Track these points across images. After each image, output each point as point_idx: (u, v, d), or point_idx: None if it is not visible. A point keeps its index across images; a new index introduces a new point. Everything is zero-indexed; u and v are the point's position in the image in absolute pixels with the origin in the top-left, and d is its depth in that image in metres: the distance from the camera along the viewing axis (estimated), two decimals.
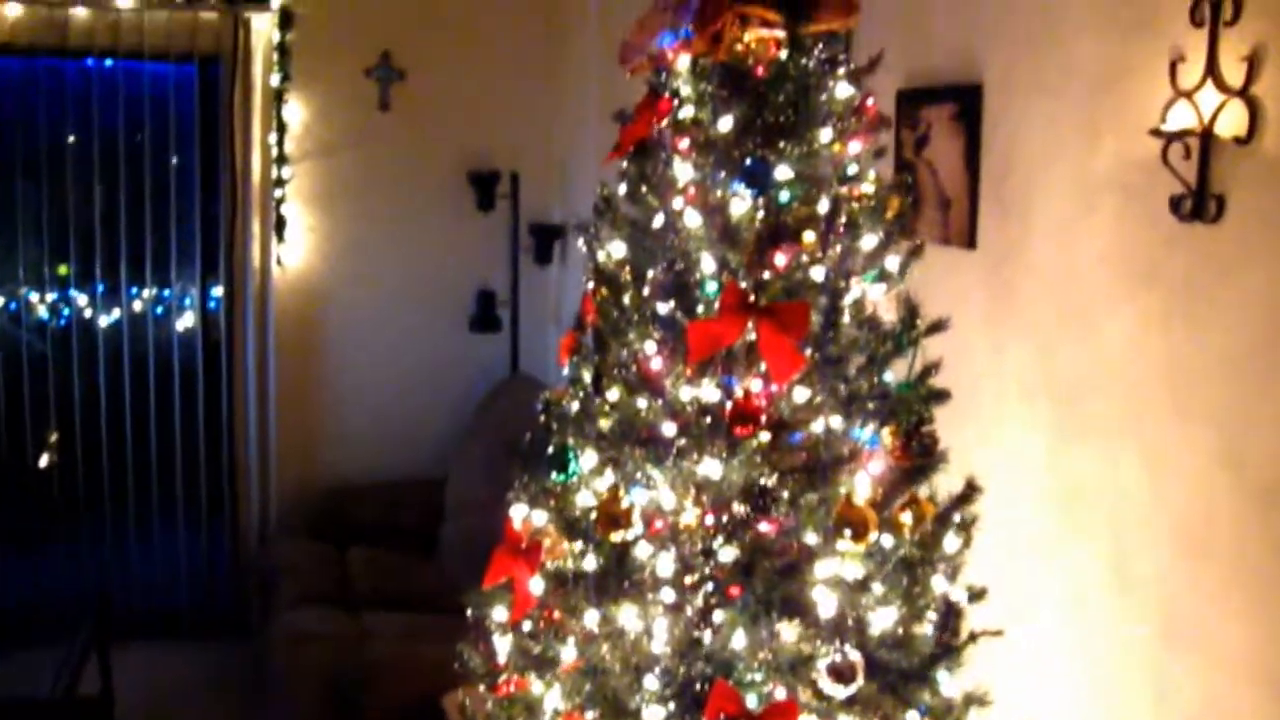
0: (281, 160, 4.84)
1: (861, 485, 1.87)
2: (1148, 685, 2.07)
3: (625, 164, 2.01)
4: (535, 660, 2.03)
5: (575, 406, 2.04)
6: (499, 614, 2.13)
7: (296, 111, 4.86)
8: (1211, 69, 1.92)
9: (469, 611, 2.22)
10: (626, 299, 1.97)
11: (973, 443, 2.33)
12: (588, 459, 1.99)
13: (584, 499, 2.01)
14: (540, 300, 5.24)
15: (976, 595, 1.98)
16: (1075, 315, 2.23)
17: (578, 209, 5.02)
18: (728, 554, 1.83)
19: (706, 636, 1.84)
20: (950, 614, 1.90)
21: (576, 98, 4.96)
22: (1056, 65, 2.27)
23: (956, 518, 1.96)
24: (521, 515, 2.03)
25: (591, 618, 1.90)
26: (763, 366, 1.84)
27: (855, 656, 1.84)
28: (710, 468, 1.85)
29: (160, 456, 4.91)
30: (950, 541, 1.95)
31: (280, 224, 4.87)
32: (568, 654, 2.00)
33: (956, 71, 2.52)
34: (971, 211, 2.49)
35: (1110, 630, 2.14)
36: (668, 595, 1.85)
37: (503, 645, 2.13)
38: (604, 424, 1.96)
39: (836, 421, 1.90)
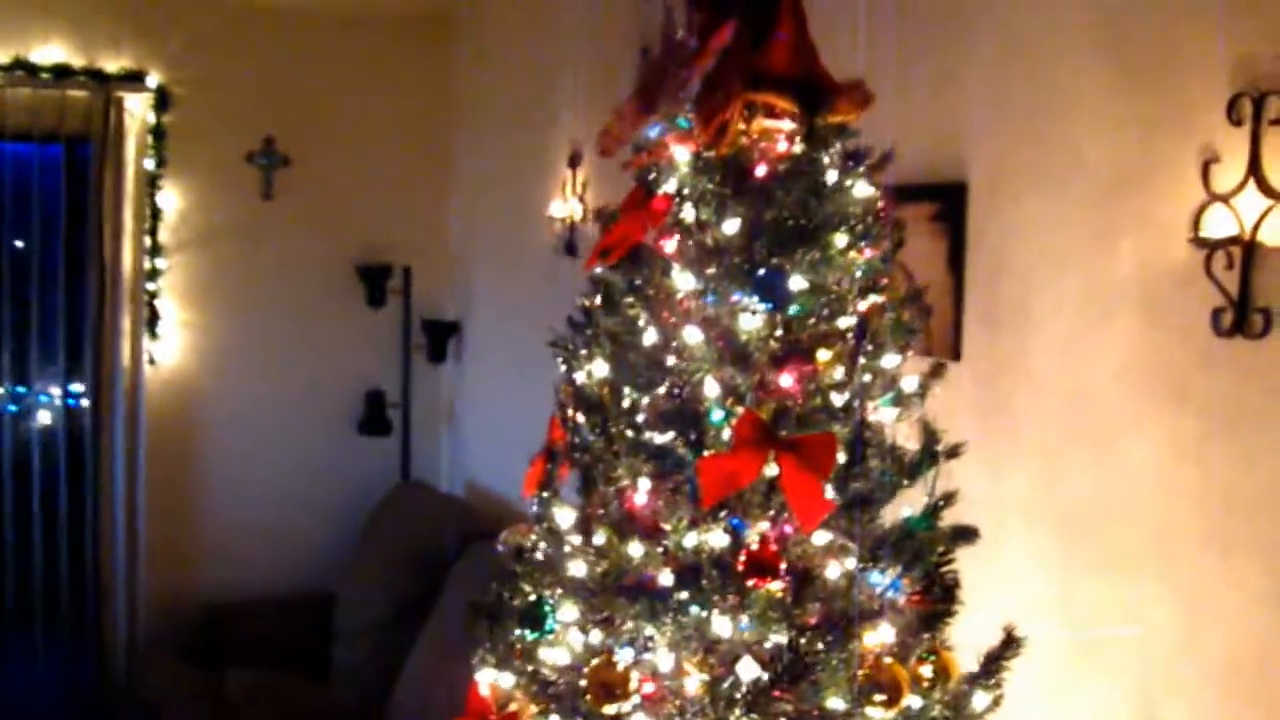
0: (155, 250, 4.48)
1: (885, 637, 1.64)
2: None
3: (597, 270, 1.76)
4: None
5: (543, 550, 1.76)
6: None
7: (172, 199, 4.51)
8: (1255, 171, 1.75)
9: None
10: (612, 427, 1.71)
11: (971, 576, 2.11)
12: (565, 612, 1.71)
13: (556, 656, 1.73)
14: (432, 401, 4.92)
15: None
16: (1087, 436, 2.04)
17: (473, 305, 4.76)
18: None
19: None
20: None
21: (472, 187, 4.71)
22: (1058, 164, 2.09)
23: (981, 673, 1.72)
24: (489, 680, 1.73)
25: None
26: (774, 507, 1.59)
27: None
28: (720, 625, 1.59)
29: (17, 566, 4.42)
30: (980, 699, 1.71)
31: (153, 318, 4.49)
32: None
33: (937, 169, 2.33)
34: (956, 320, 2.29)
35: None
36: None
37: None
38: (586, 573, 1.68)
39: (850, 565, 1.66)
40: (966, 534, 1.72)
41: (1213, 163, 1.81)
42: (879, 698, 1.59)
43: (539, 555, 1.81)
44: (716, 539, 1.60)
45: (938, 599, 1.72)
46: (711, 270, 1.62)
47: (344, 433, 4.74)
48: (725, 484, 1.53)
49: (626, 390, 1.71)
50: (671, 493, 1.64)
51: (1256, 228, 1.75)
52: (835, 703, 1.60)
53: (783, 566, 1.57)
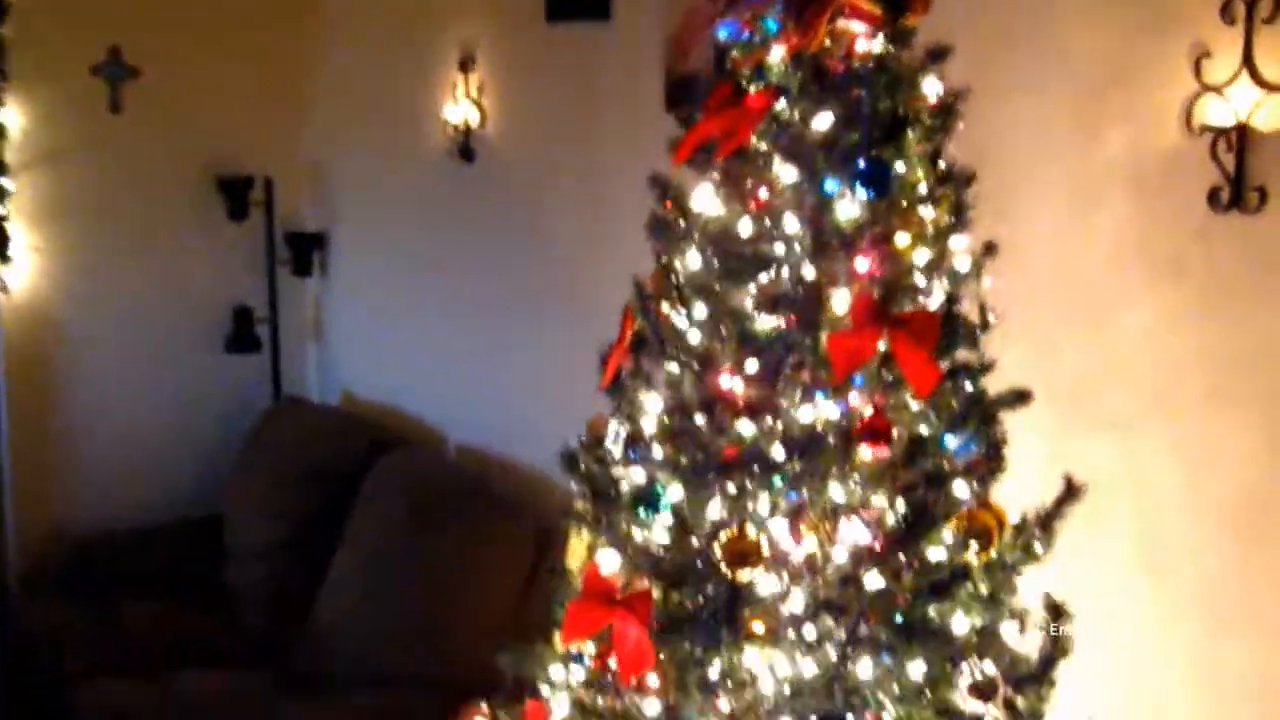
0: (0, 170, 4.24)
1: (963, 494, 1.82)
2: (1193, 669, 2.12)
3: (689, 164, 1.85)
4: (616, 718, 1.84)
5: (644, 433, 1.86)
6: (556, 672, 1.92)
7: (14, 116, 4.26)
8: (1248, 63, 1.97)
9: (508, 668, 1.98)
10: (701, 312, 1.82)
11: None
12: (673, 492, 1.82)
13: (659, 536, 1.84)
14: (300, 315, 4.86)
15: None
16: (1078, 314, 2.25)
17: (340, 215, 4.70)
18: (872, 581, 1.71)
19: (845, 671, 1.72)
20: (1059, 617, 1.86)
21: (337, 94, 4.63)
22: (1041, 64, 2.27)
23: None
24: (610, 561, 1.83)
25: (712, 666, 1.74)
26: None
27: (992, 671, 1.78)
28: (834, 490, 1.73)
29: None
30: (1038, 546, 1.91)
31: (2, 243, 4.27)
32: (651, 709, 1.82)
33: None
34: None
35: (1148, 619, 2.18)
36: (809, 632, 1.71)
37: (560, 705, 1.92)
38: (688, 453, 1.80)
39: (926, 430, 1.83)
40: (1023, 397, 1.90)
41: (1204, 57, 2.02)
42: (975, 545, 1.77)
43: (617, 445, 1.91)
44: (829, 411, 1.74)
45: (992, 457, 1.90)
46: (813, 162, 1.73)
47: (212, 351, 4.63)
48: (853, 359, 1.67)
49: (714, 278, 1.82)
50: (774, 373, 1.76)
51: (1250, 116, 1.98)
52: (936, 553, 1.77)
53: (894, 432, 1.72)
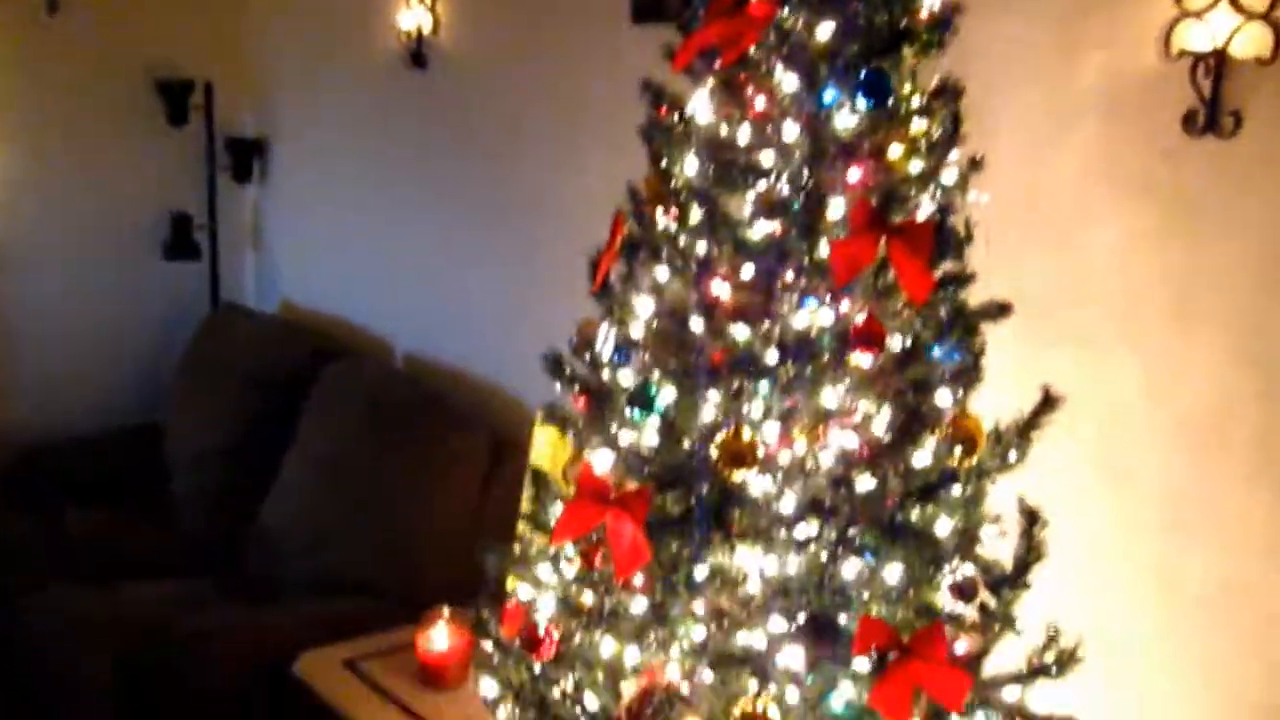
0: None
1: (946, 401, 1.87)
2: (1154, 573, 2.21)
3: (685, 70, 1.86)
4: (603, 616, 1.88)
5: (634, 337, 1.88)
6: (545, 573, 1.95)
7: None
8: None
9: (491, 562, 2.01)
10: (696, 217, 1.84)
11: None
12: (665, 394, 1.84)
13: (649, 439, 1.87)
14: (240, 222, 4.78)
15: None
16: (1046, 232, 2.30)
17: (281, 121, 4.63)
18: (862, 484, 1.76)
19: (832, 571, 1.77)
20: (1034, 522, 1.92)
21: None
22: None
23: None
24: (604, 461, 1.85)
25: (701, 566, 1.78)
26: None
27: (972, 572, 1.85)
28: (828, 396, 1.77)
29: None
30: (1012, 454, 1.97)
31: None
32: (638, 606, 1.86)
33: None
34: None
35: (1109, 527, 2.26)
36: (799, 532, 1.75)
37: (546, 604, 1.96)
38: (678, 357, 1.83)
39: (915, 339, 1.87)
40: (1004, 309, 1.95)
41: None
42: (959, 450, 1.82)
43: (609, 348, 1.93)
44: (824, 317, 1.77)
45: (972, 367, 1.95)
46: (813, 71, 1.75)
47: (150, 259, 4.55)
48: (852, 265, 1.70)
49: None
50: (769, 278, 1.79)
51: (1228, 42, 2.03)
52: (922, 458, 1.82)
53: (887, 341, 1.76)
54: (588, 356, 1.96)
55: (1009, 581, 1.90)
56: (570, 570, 1.94)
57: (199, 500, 4.03)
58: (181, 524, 4.01)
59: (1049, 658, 1.93)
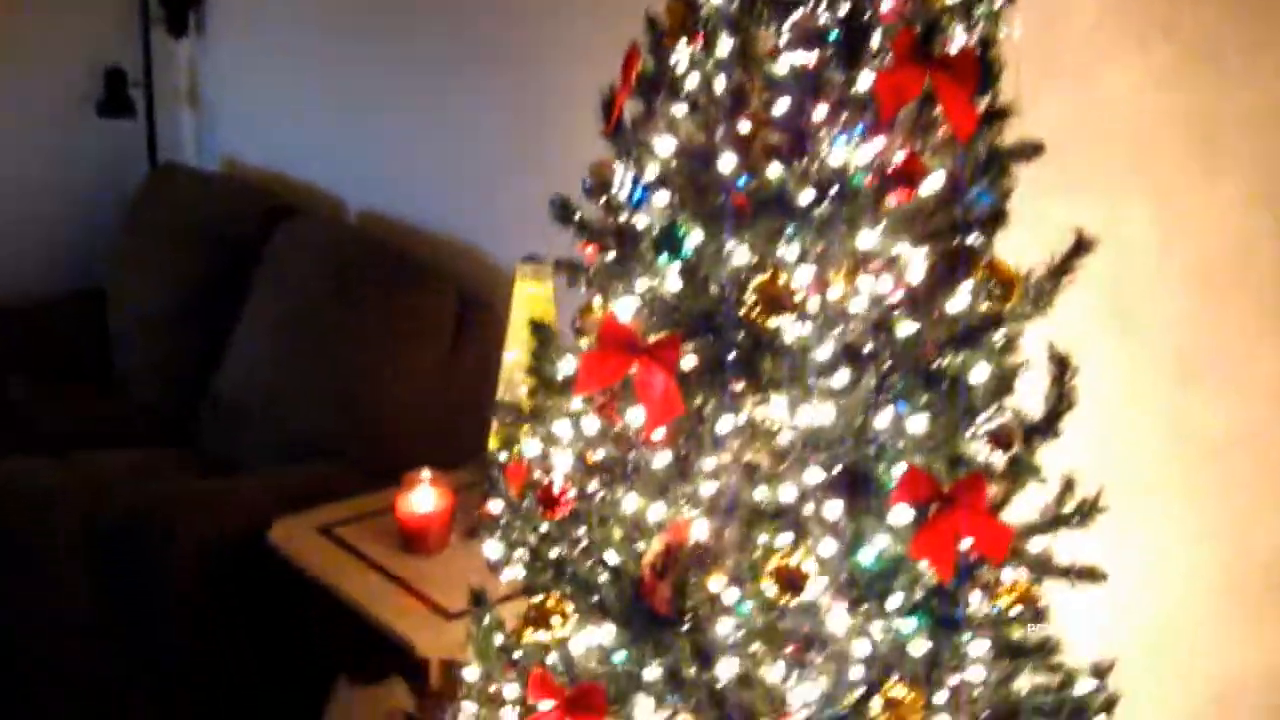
0: None
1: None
2: (1165, 423, 2.18)
3: None
4: (625, 472, 1.81)
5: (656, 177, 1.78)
6: (561, 428, 1.87)
7: None
8: None
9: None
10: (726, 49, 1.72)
11: None
12: (694, 237, 1.75)
13: (673, 285, 1.77)
14: (176, 78, 4.55)
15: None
16: (1059, 71, 2.21)
17: None
18: (902, 329, 1.69)
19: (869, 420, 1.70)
20: (1064, 370, 1.87)
21: None
22: None
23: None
24: (628, 309, 1.76)
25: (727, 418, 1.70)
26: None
27: (1009, 420, 1.79)
28: (865, 238, 1.68)
29: None
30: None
31: None
32: (661, 461, 1.78)
33: None
34: None
35: (1118, 373, 2.21)
36: (835, 380, 1.68)
37: (563, 462, 1.87)
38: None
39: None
40: (1037, 149, 1.86)
41: None
42: (996, 292, 1.75)
43: (627, 190, 1.83)
44: (861, 155, 1.68)
45: (1000, 210, 1.87)
46: None
47: (84, 116, 4.32)
48: (898, 97, 1.61)
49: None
50: (803, 114, 1.68)
51: None
52: (960, 302, 1.74)
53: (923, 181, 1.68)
54: (604, 200, 1.85)
55: (1039, 430, 1.84)
56: (589, 425, 1.85)
57: (147, 368, 3.89)
58: (129, 393, 3.87)
59: (1068, 508, 1.89)
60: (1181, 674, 2.25)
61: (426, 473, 2.78)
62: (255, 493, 3.03)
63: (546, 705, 1.80)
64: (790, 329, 1.67)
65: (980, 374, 1.75)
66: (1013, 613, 1.82)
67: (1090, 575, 1.85)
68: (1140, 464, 2.22)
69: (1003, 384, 1.77)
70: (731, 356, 1.70)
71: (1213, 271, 2.09)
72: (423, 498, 2.76)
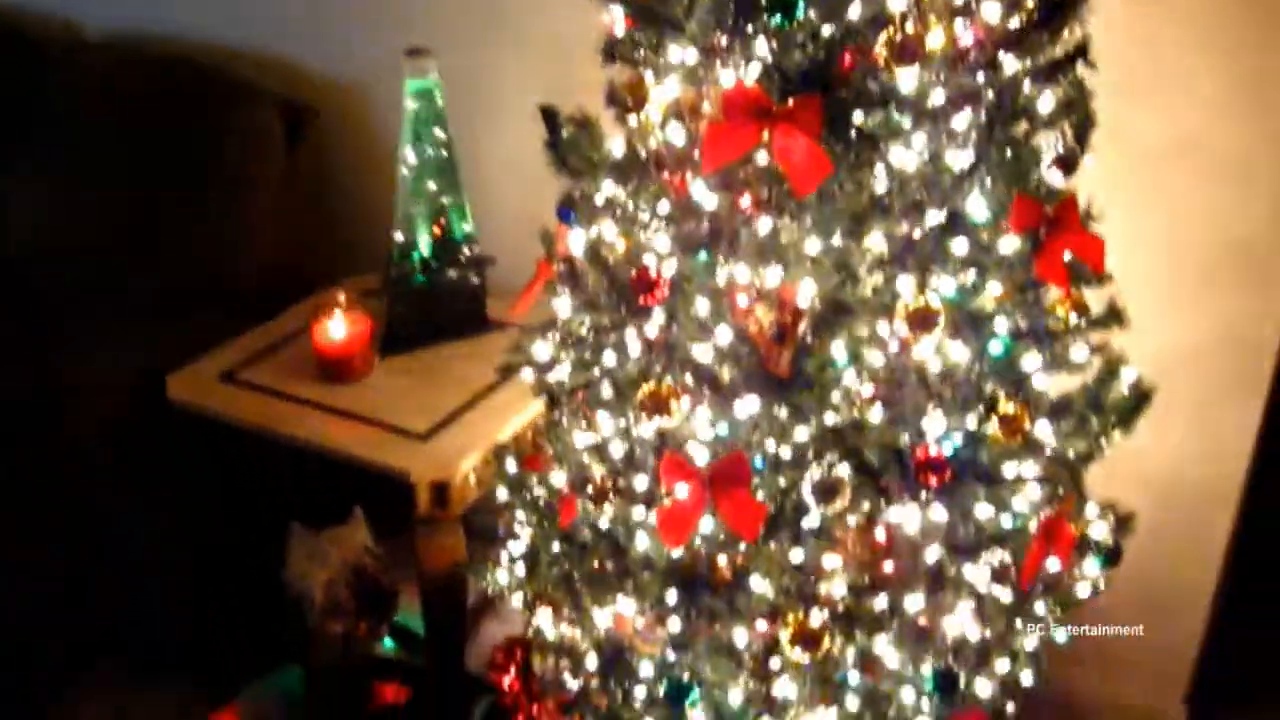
0: None
1: None
2: (1104, 132, 2.36)
3: None
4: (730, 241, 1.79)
5: None
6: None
7: None
8: None
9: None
10: None
11: None
12: None
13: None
14: None
15: None
16: None
17: None
18: (1010, 66, 1.74)
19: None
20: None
21: None
22: None
23: None
24: (752, 74, 1.70)
25: None
26: None
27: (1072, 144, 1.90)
28: None
29: None
30: None
31: None
32: (764, 228, 1.78)
33: None
34: None
35: None
36: (960, 120, 1.72)
37: (659, 243, 1.83)
38: None
39: None
40: None
41: None
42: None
43: None
44: None
45: None
46: None
47: None
48: None
49: None
50: None
51: None
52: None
53: None
54: None
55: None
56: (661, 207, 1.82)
57: None
58: None
59: None
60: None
61: (341, 296, 2.62)
62: (127, 355, 2.72)
63: (683, 489, 1.80)
64: (909, 78, 1.69)
65: (1046, 103, 1.84)
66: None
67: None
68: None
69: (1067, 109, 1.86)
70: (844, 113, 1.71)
71: None
72: (340, 323, 2.60)
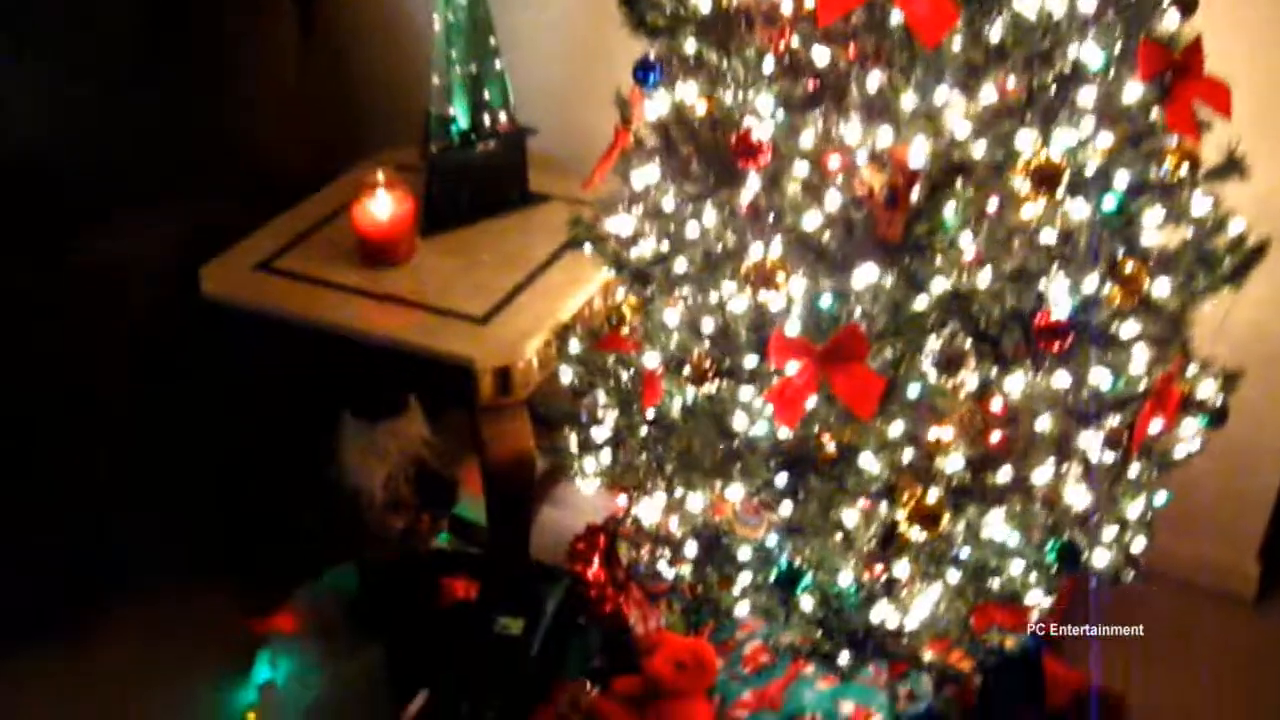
0: None
1: None
2: None
3: None
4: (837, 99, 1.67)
5: None
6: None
7: None
8: None
9: None
10: None
11: None
12: None
13: None
14: None
15: None
16: None
17: None
18: None
19: None
20: None
21: None
22: None
23: None
24: None
25: None
26: None
27: None
28: None
29: None
30: None
31: None
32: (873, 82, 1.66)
33: None
34: None
35: None
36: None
37: (763, 103, 1.70)
38: None
39: None
40: None
41: None
42: None
43: None
44: None
45: None
46: None
47: None
48: None
49: None
50: None
51: None
52: None
53: None
54: None
55: None
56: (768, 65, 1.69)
57: None
58: None
59: None
60: None
61: (380, 174, 2.47)
62: (149, 250, 2.58)
63: (793, 366, 1.71)
64: None
65: None
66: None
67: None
68: None
69: None
70: None
71: None
72: (382, 203, 2.46)
